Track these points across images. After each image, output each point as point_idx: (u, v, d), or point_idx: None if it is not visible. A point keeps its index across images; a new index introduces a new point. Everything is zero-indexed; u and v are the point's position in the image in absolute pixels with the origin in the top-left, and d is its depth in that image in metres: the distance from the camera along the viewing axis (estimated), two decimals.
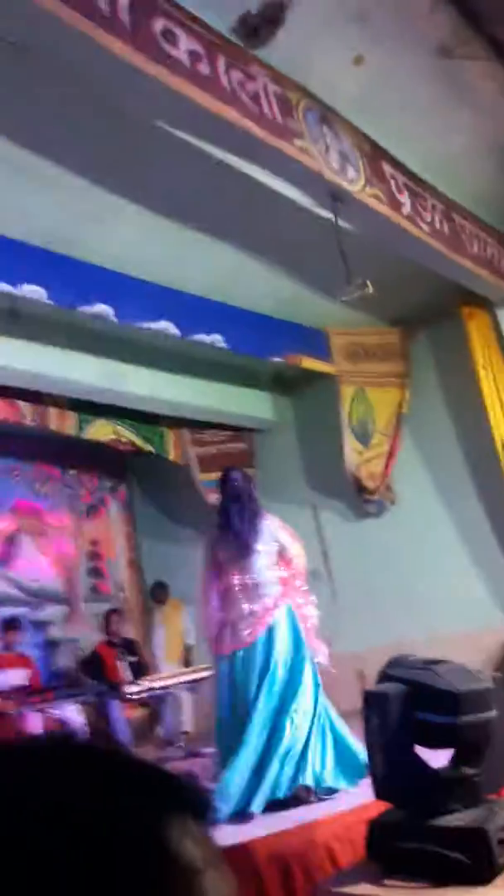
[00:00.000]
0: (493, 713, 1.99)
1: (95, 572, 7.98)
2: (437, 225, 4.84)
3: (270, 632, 3.77)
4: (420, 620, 6.31)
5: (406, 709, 2.00)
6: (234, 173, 3.75)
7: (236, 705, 3.75)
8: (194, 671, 6.24)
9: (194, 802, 0.49)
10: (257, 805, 3.26)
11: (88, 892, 0.41)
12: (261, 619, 3.78)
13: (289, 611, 3.85)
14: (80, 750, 0.51)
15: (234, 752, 3.51)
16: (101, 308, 4.68)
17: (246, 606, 3.80)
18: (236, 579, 3.86)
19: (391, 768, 2.01)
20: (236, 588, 3.85)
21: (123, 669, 6.41)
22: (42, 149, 3.93)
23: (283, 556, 3.92)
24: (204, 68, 3.23)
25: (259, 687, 3.66)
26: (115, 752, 0.51)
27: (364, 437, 6.60)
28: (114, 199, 4.41)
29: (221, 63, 3.34)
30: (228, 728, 3.75)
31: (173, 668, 6.88)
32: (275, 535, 3.93)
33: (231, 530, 3.89)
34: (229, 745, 3.62)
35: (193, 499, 7.43)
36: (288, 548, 3.94)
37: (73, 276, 4.68)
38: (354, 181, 4.13)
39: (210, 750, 5.52)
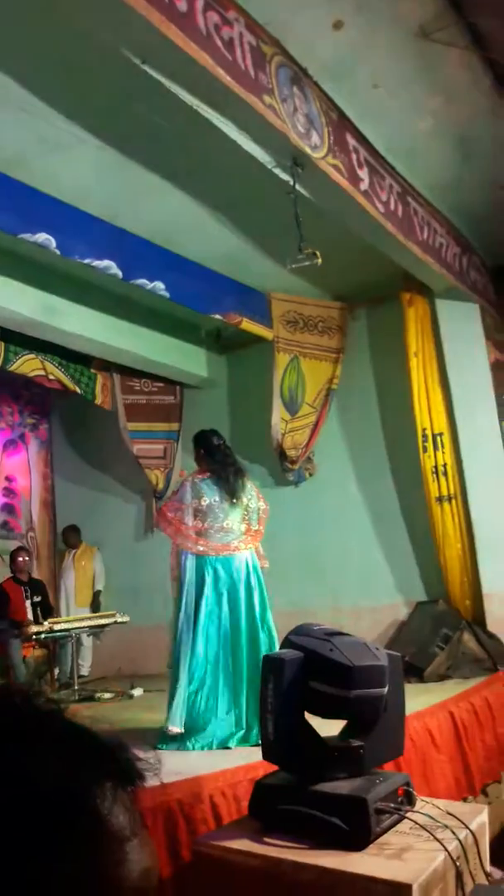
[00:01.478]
0: (384, 689, 2.07)
1: (8, 508, 7.81)
2: (392, 206, 4.85)
3: (239, 560, 3.97)
4: (324, 590, 6.49)
5: (300, 676, 2.05)
6: (201, 121, 3.64)
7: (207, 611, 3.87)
8: (100, 617, 6.25)
9: (127, 770, 0.50)
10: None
11: (16, 852, 0.41)
12: (231, 546, 3.98)
13: (252, 554, 4.07)
14: (15, 709, 0.50)
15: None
16: (45, 238, 4.50)
17: (222, 537, 4.00)
18: (216, 524, 4.00)
19: (281, 732, 2.06)
20: (210, 527, 4.00)
21: (28, 609, 6.36)
22: (10, 68, 3.73)
23: (247, 512, 4.09)
24: (182, 4, 3.11)
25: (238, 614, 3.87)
26: (52, 714, 0.51)
27: (292, 407, 6.65)
28: (75, 130, 4.23)
29: (200, 1, 3.22)
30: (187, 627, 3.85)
31: (81, 612, 6.89)
32: (252, 496, 4.13)
33: (224, 482, 4.05)
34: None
35: (116, 446, 7.35)
36: (260, 512, 4.14)
37: (19, 202, 4.46)
38: (318, 148, 4.08)
39: (108, 695, 5.59)
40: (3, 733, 0.47)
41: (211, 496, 4.02)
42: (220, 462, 4.12)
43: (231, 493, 4.03)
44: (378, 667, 2.04)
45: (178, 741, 3.59)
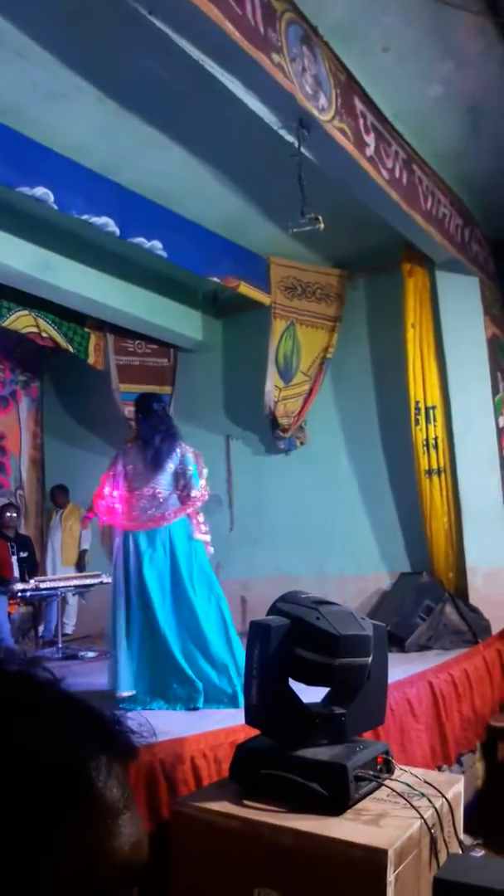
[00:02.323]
0: (368, 659, 2.08)
1: None
2: (397, 173, 4.78)
3: (169, 531, 3.94)
4: (309, 559, 6.54)
5: (286, 643, 2.06)
6: (207, 77, 3.54)
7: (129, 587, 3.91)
8: (86, 577, 6.27)
9: (121, 743, 0.49)
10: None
11: (12, 824, 0.41)
12: (160, 517, 3.96)
13: (185, 522, 4.02)
14: (11, 678, 0.49)
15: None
16: (42, 192, 4.39)
17: (147, 507, 3.99)
18: (144, 490, 4.00)
19: (264, 697, 2.08)
20: (139, 495, 4.01)
21: (14, 565, 6.37)
22: (5, 9, 3.60)
23: (184, 478, 4.05)
24: None
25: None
26: (48, 684, 0.50)
27: (286, 374, 6.62)
28: (78, 81, 4.12)
29: None
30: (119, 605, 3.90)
31: (67, 572, 6.92)
32: (182, 458, 4.07)
33: (150, 446, 4.05)
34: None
35: (107, 407, 7.31)
36: (191, 473, 4.06)
37: (16, 153, 4.35)
38: (325, 110, 4.00)
39: (91, 654, 5.65)
40: (7, 703, 0.46)
41: (135, 462, 4.07)
42: (151, 427, 4.11)
43: (152, 458, 4.02)
44: (363, 636, 2.06)
45: (141, 702, 3.66)
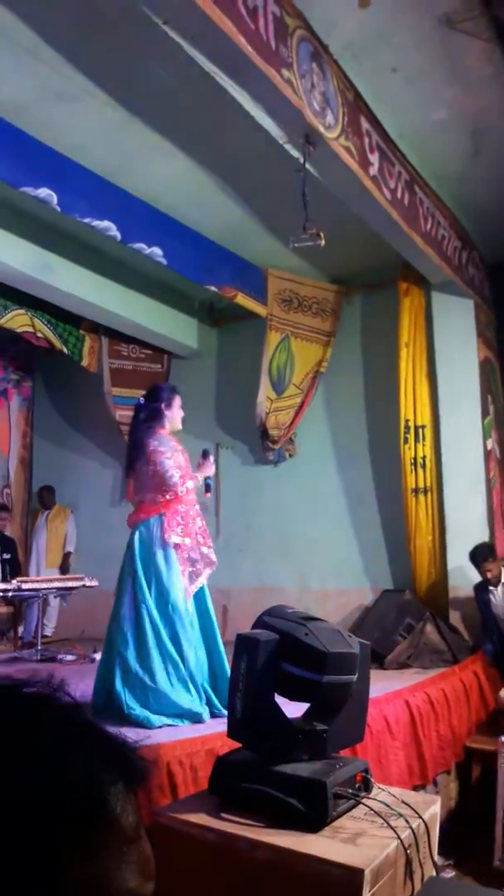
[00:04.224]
0: (354, 677, 2.09)
1: None
2: (399, 194, 4.82)
3: (134, 534, 3.69)
4: (292, 571, 6.55)
5: (273, 658, 2.06)
6: (215, 88, 3.57)
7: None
8: (69, 579, 6.23)
9: (135, 771, 0.49)
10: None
11: (38, 847, 0.41)
12: (131, 518, 3.79)
13: (153, 524, 3.67)
14: (38, 701, 0.49)
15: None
16: (46, 193, 4.40)
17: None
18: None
19: (248, 710, 2.07)
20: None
21: None
22: (23, 13, 3.61)
23: (160, 478, 3.65)
24: None
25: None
26: (73, 708, 0.50)
27: (279, 386, 6.64)
28: (86, 83, 4.14)
29: None
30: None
31: (51, 573, 6.89)
32: (150, 458, 3.68)
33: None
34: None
35: (98, 410, 7.30)
36: (161, 471, 3.64)
37: (22, 153, 4.36)
38: (331, 128, 4.04)
39: (70, 657, 5.61)
40: (35, 725, 0.46)
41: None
42: (131, 430, 3.96)
43: (127, 462, 3.87)
44: (350, 654, 2.06)
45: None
